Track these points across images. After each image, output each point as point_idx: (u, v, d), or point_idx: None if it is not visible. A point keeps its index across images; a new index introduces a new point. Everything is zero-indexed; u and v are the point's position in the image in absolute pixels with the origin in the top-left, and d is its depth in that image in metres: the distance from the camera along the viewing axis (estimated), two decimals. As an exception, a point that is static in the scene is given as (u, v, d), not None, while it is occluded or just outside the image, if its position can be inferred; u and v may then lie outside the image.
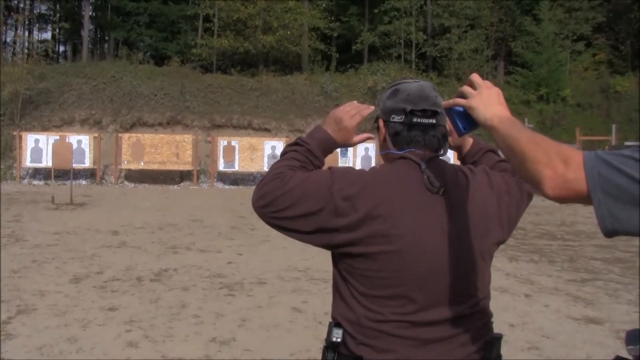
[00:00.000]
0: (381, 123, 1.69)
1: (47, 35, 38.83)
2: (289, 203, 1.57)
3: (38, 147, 19.27)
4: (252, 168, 20.32)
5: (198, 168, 20.60)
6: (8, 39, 34.59)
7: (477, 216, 1.60)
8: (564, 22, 30.25)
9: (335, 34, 31.50)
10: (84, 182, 19.75)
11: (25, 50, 27.16)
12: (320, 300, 6.00)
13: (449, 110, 1.50)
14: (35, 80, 22.17)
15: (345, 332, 1.56)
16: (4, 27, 33.71)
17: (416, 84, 1.67)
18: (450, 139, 1.72)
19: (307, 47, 29.69)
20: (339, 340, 1.56)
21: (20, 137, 19.40)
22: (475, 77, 1.47)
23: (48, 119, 21.66)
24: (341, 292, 1.61)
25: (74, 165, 15.46)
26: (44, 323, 5.16)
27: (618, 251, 9.50)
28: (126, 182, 20.31)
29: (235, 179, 20.96)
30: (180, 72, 25.13)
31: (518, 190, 1.72)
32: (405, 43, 30.17)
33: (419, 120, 1.61)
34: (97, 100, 22.45)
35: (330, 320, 1.63)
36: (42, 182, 19.41)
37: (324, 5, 30.11)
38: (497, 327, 1.72)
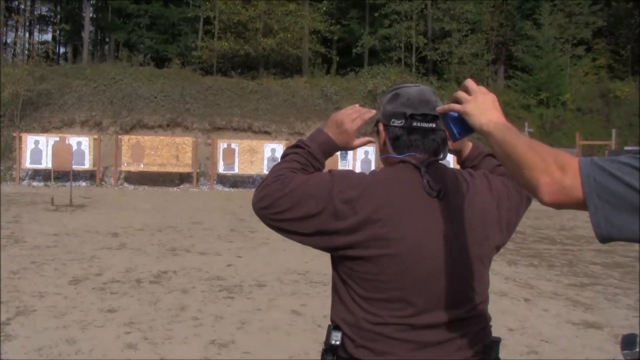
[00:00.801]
0: (381, 127, 1.69)
1: (48, 36, 38.92)
2: (289, 205, 1.57)
3: (38, 148, 19.28)
4: (252, 171, 20.32)
5: (198, 170, 20.61)
6: (9, 40, 34.60)
7: (477, 220, 1.60)
8: (564, 27, 30.27)
9: (335, 37, 31.51)
10: (83, 184, 19.75)
11: (26, 52, 27.19)
12: (319, 304, 6.00)
13: (444, 116, 1.51)
14: (36, 81, 22.16)
15: (344, 334, 1.57)
16: (5, 28, 33.77)
17: (416, 88, 1.68)
18: (449, 143, 1.72)
19: (307, 50, 29.71)
20: (337, 343, 1.56)
21: (20, 138, 19.41)
22: (469, 83, 1.47)
23: (48, 121, 21.67)
24: (340, 295, 1.61)
25: (73, 166, 15.45)
26: (43, 324, 5.16)
27: (617, 256, 9.50)
28: (126, 184, 20.31)
29: (235, 182, 20.97)
30: (180, 75, 25.13)
31: (517, 195, 1.73)
32: (405, 47, 30.19)
33: (419, 124, 1.62)
34: (97, 102, 22.45)
35: (329, 323, 1.64)
36: (41, 184, 19.42)
37: (324, 8, 30.13)
38: (496, 331, 1.72)
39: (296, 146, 1.74)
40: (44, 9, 38.87)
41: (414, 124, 1.62)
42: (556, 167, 1.15)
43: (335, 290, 1.65)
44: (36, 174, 20.02)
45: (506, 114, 1.42)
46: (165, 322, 5.36)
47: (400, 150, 1.64)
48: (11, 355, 4.41)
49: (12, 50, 30.19)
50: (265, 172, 18.58)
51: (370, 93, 24.45)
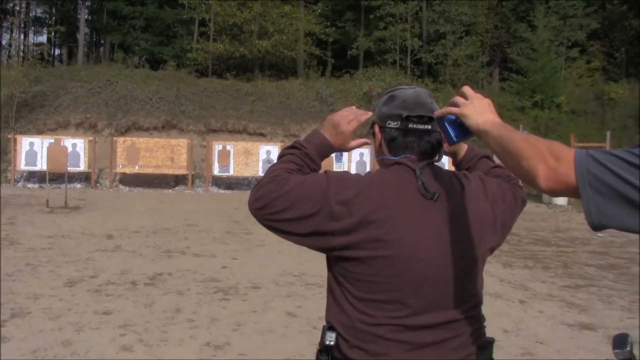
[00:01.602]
0: (377, 129, 1.70)
1: (43, 38, 38.89)
2: (285, 205, 1.58)
3: (33, 150, 19.22)
4: (247, 173, 20.30)
5: (193, 172, 20.59)
6: (4, 42, 34.59)
7: (472, 222, 1.61)
8: (558, 29, 30.35)
9: (330, 39, 31.55)
10: (78, 186, 19.69)
11: (21, 53, 27.18)
12: (314, 305, 5.99)
13: (441, 120, 1.53)
14: (31, 83, 22.13)
15: (338, 335, 1.57)
16: (0, 30, 33.71)
17: (412, 90, 1.69)
18: (445, 145, 1.73)
19: (302, 52, 29.72)
20: (332, 343, 1.57)
21: (15, 140, 19.36)
22: (467, 89, 1.52)
23: (43, 122, 21.62)
24: (335, 296, 1.62)
25: (68, 168, 15.40)
26: (39, 326, 5.16)
27: (612, 257, 9.53)
28: (121, 186, 20.27)
29: (230, 184, 20.95)
30: (175, 77, 25.11)
31: (512, 197, 1.74)
32: (400, 49, 30.22)
33: (414, 126, 1.63)
34: (93, 103, 22.41)
35: (324, 324, 1.64)
36: (36, 186, 19.36)
37: (319, 10, 30.17)
38: (491, 332, 1.73)
39: (292, 147, 1.74)
40: (39, 11, 38.88)
41: (410, 125, 1.63)
42: (552, 157, 1.21)
43: (330, 291, 1.65)
44: (31, 176, 19.97)
45: (501, 116, 1.46)
46: (160, 324, 5.36)
47: (395, 151, 1.65)
48: (6, 357, 4.40)
49: (7, 52, 30.16)
50: (261, 174, 18.54)
51: (366, 95, 24.45)
